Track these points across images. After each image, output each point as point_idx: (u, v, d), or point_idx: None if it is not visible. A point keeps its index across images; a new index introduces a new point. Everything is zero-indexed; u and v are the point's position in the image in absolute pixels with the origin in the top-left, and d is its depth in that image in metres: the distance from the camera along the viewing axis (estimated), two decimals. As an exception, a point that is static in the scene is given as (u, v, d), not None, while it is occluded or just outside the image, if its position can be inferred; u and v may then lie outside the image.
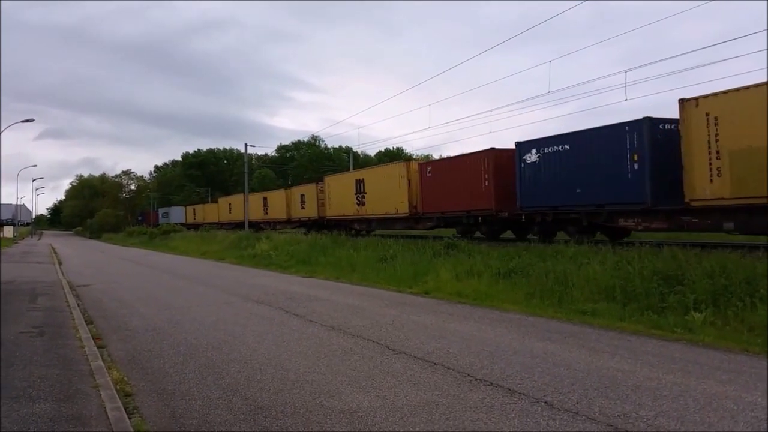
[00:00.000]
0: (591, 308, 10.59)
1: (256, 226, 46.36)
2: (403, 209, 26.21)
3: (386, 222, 28.83)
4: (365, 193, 29.60)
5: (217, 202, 63.08)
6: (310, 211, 37.06)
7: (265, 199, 47.33)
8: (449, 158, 24.59)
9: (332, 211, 33.47)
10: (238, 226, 49.22)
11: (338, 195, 32.66)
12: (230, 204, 56.88)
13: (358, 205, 30.22)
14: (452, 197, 22.72)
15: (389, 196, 27.15)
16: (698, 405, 5.29)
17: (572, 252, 14.16)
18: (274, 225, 44.86)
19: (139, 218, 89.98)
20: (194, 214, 71.00)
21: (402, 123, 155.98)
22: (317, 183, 36.51)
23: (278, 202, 43.56)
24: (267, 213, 46.17)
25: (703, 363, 6.89)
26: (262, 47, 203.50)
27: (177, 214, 77.61)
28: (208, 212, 65.01)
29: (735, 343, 7.89)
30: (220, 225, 56.79)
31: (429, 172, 24.72)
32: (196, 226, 60.83)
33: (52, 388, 5.98)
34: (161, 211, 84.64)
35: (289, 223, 41.66)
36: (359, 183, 30.24)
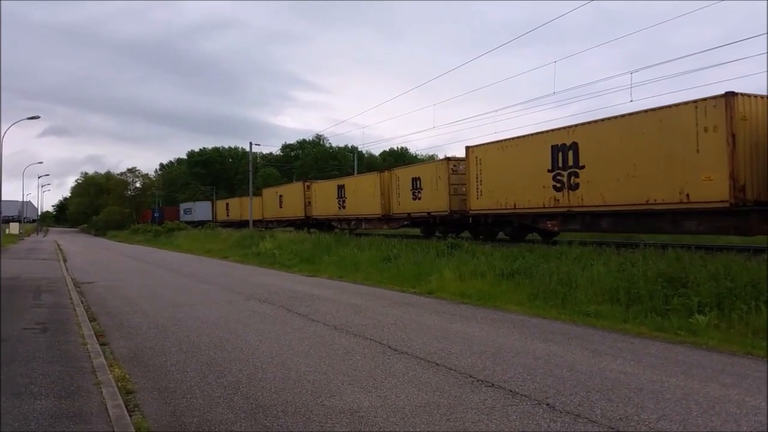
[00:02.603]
0: (594, 310, 10.54)
1: (325, 224, 36.01)
2: (710, 194, 13.78)
3: (644, 220, 15.87)
4: (580, 167, 17.18)
5: (261, 194, 49.09)
6: (433, 202, 24.72)
7: (341, 188, 33.71)
8: None
9: (488, 201, 21.02)
10: (293, 224, 40.04)
11: (503, 173, 20.27)
12: (281, 196, 42.93)
13: (560, 189, 17.86)
14: None
15: (654, 169, 15.04)
16: (701, 408, 5.25)
17: (576, 253, 14.12)
18: (357, 223, 32.51)
19: (155, 215, 79.44)
20: (227, 209, 58.72)
21: (406, 123, 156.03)
22: (448, 159, 24.31)
23: (366, 191, 30.49)
24: (344, 207, 33.21)
25: (707, 366, 6.85)
26: (266, 48, 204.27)
27: (203, 210, 68.19)
28: (246, 208, 51.20)
29: (739, 347, 7.84)
30: (266, 224, 45.48)
31: None
32: (229, 225, 51.19)
33: (53, 385, 5.99)
34: (183, 206, 76.11)
35: (388, 221, 29.11)
36: (563, 151, 17.75)
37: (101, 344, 8.20)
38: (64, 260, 28.23)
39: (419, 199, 25.92)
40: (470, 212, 22.27)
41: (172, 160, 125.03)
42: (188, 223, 64.34)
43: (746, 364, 6.97)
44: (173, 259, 29.36)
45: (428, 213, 25.24)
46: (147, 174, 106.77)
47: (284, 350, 7.84)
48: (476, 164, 21.78)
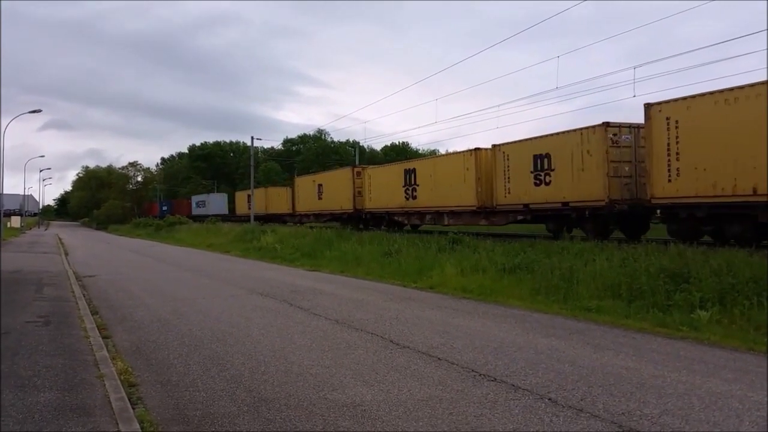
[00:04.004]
0: (596, 305, 10.54)
1: (385, 219, 29.26)
2: None
3: None
4: None
5: (292, 184, 42.91)
6: (576, 188, 17.74)
7: (409, 172, 26.60)
8: None
9: (692, 184, 14.18)
10: (337, 219, 33.97)
11: (726, 140, 13.39)
12: (320, 185, 35.91)
13: None
14: None
15: None
16: (703, 403, 5.25)
17: (578, 248, 14.11)
18: (435, 218, 25.09)
19: (164, 209, 76.51)
20: (248, 202, 50.76)
21: (408, 118, 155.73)
22: (607, 125, 16.79)
23: (452, 176, 23.51)
24: (414, 197, 26.06)
25: (709, 361, 6.85)
26: (267, 43, 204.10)
27: (217, 202, 64.66)
28: (273, 199, 45.74)
29: (741, 342, 7.84)
30: (299, 218, 39.80)
31: None
32: (248, 219, 45.56)
33: (56, 378, 6.01)
34: (195, 199, 72.06)
35: (488, 214, 21.94)
36: None
37: (104, 337, 8.22)
38: (66, 254, 28.27)
39: (547, 183, 18.80)
40: (654, 201, 15.31)
41: (174, 155, 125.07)
42: (202, 217, 59.82)
43: (748, 360, 6.97)
44: (175, 254, 29.38)
45: (564, 203, 18.16)
46: (148, 168, 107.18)
47: (286, 344, 7.86)
48: (667, 129, 14.66)
